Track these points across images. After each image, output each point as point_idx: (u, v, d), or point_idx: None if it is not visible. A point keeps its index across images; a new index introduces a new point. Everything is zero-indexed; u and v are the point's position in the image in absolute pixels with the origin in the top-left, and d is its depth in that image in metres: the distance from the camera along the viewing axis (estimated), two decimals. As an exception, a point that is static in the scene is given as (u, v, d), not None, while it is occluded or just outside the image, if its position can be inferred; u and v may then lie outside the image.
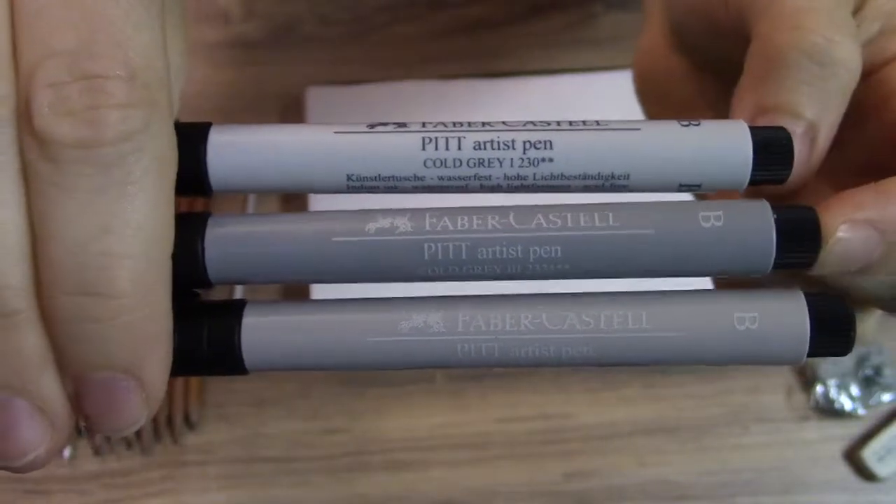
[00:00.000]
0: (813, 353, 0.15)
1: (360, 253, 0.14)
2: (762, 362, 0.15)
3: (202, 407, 0.38)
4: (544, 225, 0.14)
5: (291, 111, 0.43)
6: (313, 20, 0.46)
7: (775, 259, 0.14)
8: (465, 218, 0.14)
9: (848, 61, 0.16)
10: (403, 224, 0.14)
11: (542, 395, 0.38)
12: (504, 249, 0.14)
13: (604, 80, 0.42)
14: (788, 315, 0.14)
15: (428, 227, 0.14)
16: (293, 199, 0.40)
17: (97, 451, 0.37)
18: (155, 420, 0.37)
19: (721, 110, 0.18)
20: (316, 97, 0.42)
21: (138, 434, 0.37)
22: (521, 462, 0.37)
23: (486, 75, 0.43)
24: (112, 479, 0.37)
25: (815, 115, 0.16)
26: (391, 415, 0.38)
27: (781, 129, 0.15)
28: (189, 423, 0.38)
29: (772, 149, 0.15)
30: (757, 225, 0.14)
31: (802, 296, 0.15)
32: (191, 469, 0.37)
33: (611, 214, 0.14)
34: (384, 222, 0.14)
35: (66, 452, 0.37)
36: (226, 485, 0.37)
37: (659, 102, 0.23)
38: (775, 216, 0.14)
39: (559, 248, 0.14)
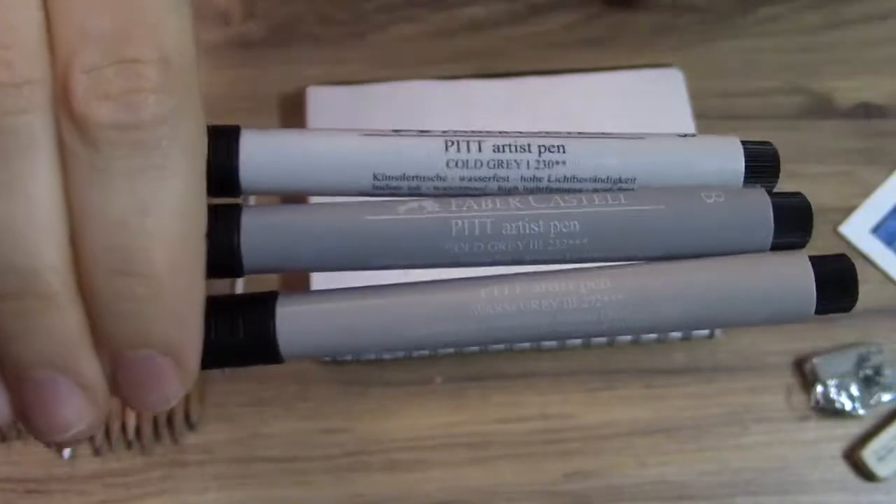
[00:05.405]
0: (820, 307, 0.15)
1: (392, 231, 0.15)
2: (777, 321, 0.16)
3: (202, 407, 0.38)
4: (562, 204, 0.15)
5: (291, 111, 0.43)
6: (313, 20, 0.46)
7: (774, 237, 0.15)
8: (489, 200, 0.15)
9: None
10: (431, 206, 0.15)
11: (541, 396, 0.38)
12: (526, 225, 0.15)
13: (604, 80, 0.42)
14: (795, 274, 0.15)
15: (454, 208, 0.15)
16: (290, 199, 0.40)
17: (97, 451, 0.37)
18: (155, 420, 0.37)
19: None
20: (316, 97, 0.42)
21: (138, 434, 0.37)
22: (521, 462, 0.37)
23: (486, 75, 0.43)
24: (112, 479, 0.37)
25: None
26: (391, 415, 0.38)
27: (768, 143, 0.17)
28: (189, 423, 0.38)
29: (761, 160, 0.16)
30: (755, 202, 0.15)
31: (807, 257, 0.16)
32: (191, 469, 0.37)
33: (622, 196, 0.15)
34: (413, 205, 0.15)
35: (67, 452, 0.37)
36: (226, 485, 0.37)
37: None
38: (771, 199, 0.16)
39: (577, 223, 0.15)
